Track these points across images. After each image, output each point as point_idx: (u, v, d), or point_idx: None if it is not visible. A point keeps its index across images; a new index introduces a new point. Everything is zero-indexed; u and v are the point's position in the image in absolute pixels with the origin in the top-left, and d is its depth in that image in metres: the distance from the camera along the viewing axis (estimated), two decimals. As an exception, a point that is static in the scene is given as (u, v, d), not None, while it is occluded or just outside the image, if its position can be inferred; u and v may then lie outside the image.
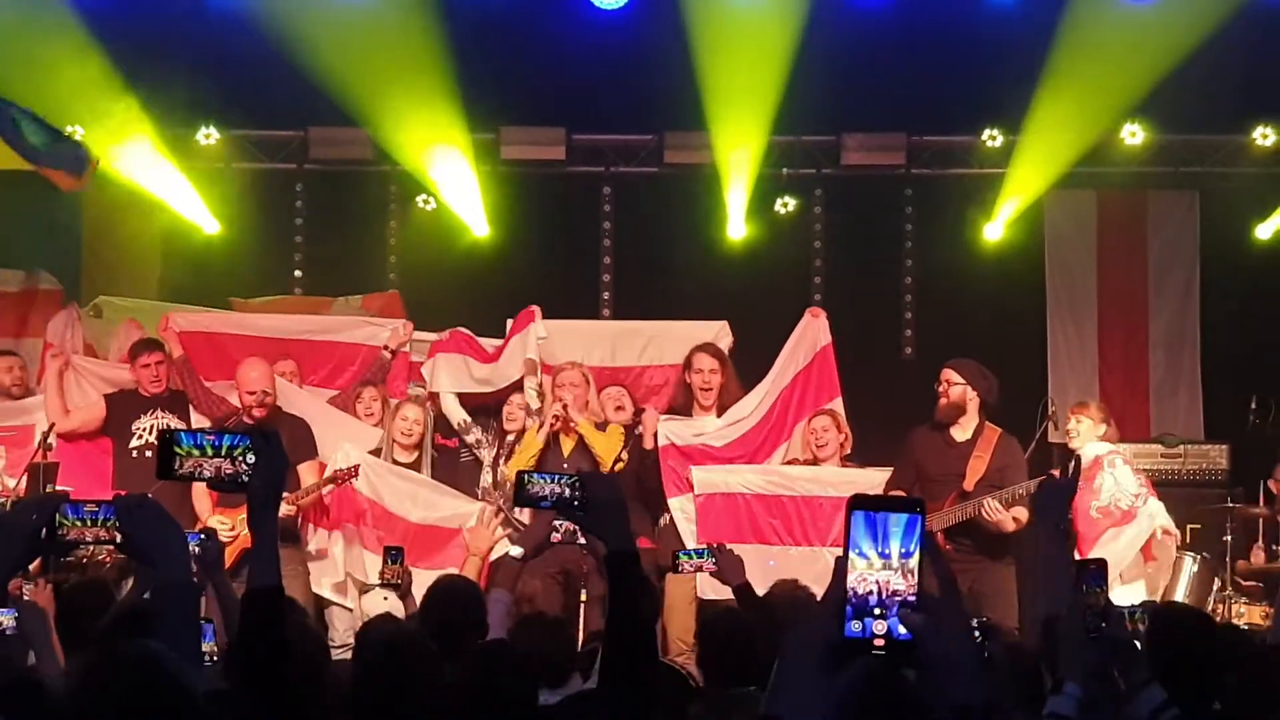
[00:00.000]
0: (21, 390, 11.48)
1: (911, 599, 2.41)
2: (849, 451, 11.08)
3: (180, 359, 11.28)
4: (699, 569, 7.57)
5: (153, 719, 3.07)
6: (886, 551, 2.41)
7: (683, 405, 11.20)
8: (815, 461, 10.93)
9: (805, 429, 11.06)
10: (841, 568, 2.44)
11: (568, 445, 10.56)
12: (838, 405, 11.26)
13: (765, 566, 10.38)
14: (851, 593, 2.42)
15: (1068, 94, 13.28)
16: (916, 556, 2.42)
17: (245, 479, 3.53)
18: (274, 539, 3.58)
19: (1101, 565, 4.57)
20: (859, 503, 2.45)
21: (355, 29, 13.23)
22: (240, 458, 3.51)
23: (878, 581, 2.41)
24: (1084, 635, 4.21)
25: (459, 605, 6.27)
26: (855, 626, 2.42)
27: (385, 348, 11.76)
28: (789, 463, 11.12)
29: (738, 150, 13.91)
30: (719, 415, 11.16)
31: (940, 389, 10.45)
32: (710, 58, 13.18)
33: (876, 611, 2.41)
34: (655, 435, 10.81)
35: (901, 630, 2.41)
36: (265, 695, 3.43)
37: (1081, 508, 10.56)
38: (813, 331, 11.50)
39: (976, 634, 3.97)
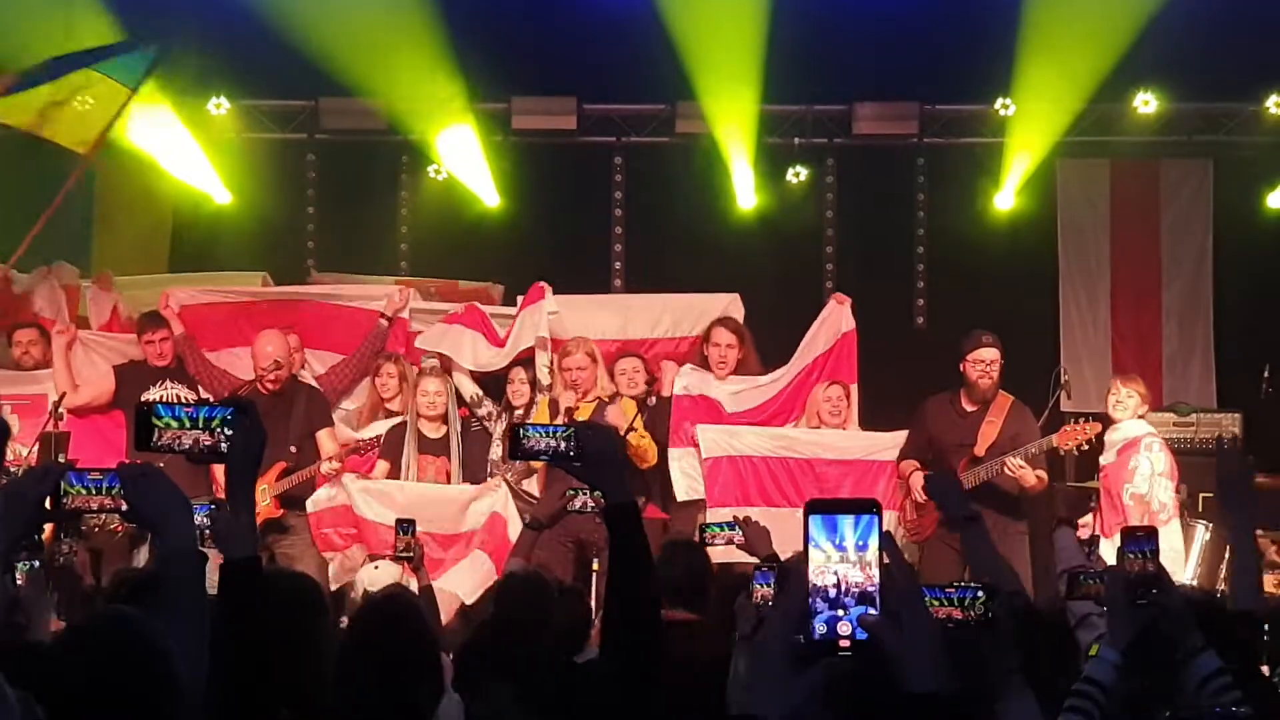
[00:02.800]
0: (32, 363, 11.47)
1: (871, 590, 2.44)
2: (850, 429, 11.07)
3: (181, 336, 11.27)
4: (728, 541, 7.57)
5: (122, 680, 3.09)
6: (843, 545, 2.45)
7: None
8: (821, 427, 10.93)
9: (820, 395, 11.04)
10: (801, 569, 2.46)
11: (581, 418, 10.55)
12: (852, 390, 11.25)
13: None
14: (814, 588, 2.45)
15: (1054, 57, 13.30)
16: (873, 550, 2.45)
17: (223, 450, 3.52)
18: (252, 510, 3.58)
19: (1151, 532, 4.55)
20: (814, 507, 2.50)
21: (366, -1, 13.22)
22: (219, 429, 3.50)
23: (837, 573, 2.45)
24: (1128, 602, 4.19)
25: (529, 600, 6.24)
26: (821, 628, 2.45)
27: (382, 315, 11.66)
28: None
29: (738, 121, 13.88)
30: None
31: (983, 369, 10.38)
32: (715, 27, 13.15)
33: (839, 612, 2.44)
34: (672, 384, 10.86)
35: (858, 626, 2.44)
36: (244, 666, 3.43)
37: (1113, 488, 10.50)
38: (836, 317, 11.50)
39: (979, 594, 3.96)
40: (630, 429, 10.37)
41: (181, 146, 13.70)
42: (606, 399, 10.68)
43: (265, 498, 10.15)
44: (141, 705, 3.15)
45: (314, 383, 11.02)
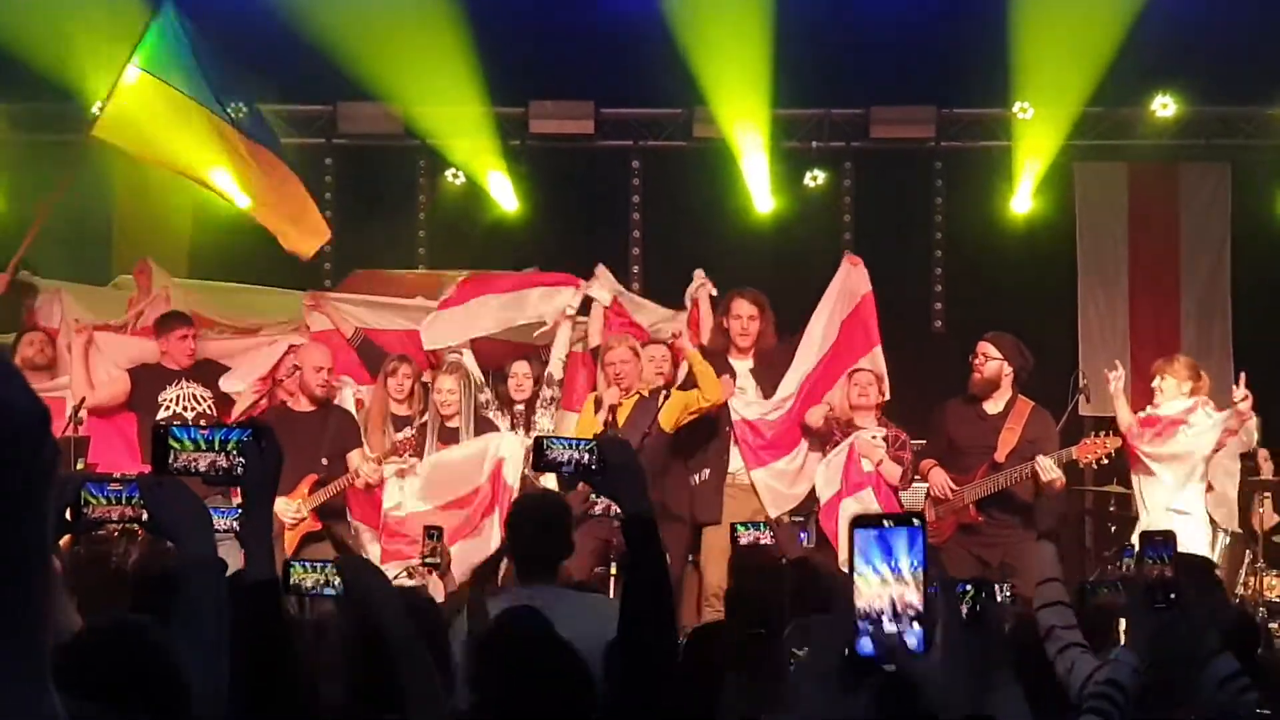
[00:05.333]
0: (45, 361, 11.47)
1: (921, 609, 2.41)
2: (887, 398, 10.96)
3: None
4: (755, 541, 7.59)
5: (131, 687, 3.11)
6: (897, 566, 2.41)
7: (720, 348, 11.09)
8: (852, 411, 10.80)
9: (847, 383, 10.93)
10: (849, 586, 2.43)
11: (622, 414, 10.51)
12: (877, 353, 11.19)
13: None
14: (864, 611, 2.41)
15: (1070, 60, 13.34)
16: (920, 569, 2.41)
17: (239, 473, 3.50)
18: (269, 532, 3.57)
19: (1168, 537, 4.55)
20: (861, 521, 2.45)
21: (383, 3, 13.23)
22: (234, 452, 3.46)
23: (891, 597, 2.41)
24: (1147, 607, 4.20)
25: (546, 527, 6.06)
26: (867, 644, 2.42)
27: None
28: (830, 413, 10.93)
29: (755, 125, 13.91)
30: (755, 361, 11.07)
31: (975, 362, 10.41)
32: (732, 31, 13.17)
33: (888, 629, 2.40)
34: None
35: (912, 644, 2.40)
36: (262, 688, 3.44)
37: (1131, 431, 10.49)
38: (854, 279, 11.43)
39: (967, 589, 3.95)
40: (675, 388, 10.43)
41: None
42: (647, 394, 10.61)
43: (303, 511, 10.20)
44: (150, 712, 3.16)
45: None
